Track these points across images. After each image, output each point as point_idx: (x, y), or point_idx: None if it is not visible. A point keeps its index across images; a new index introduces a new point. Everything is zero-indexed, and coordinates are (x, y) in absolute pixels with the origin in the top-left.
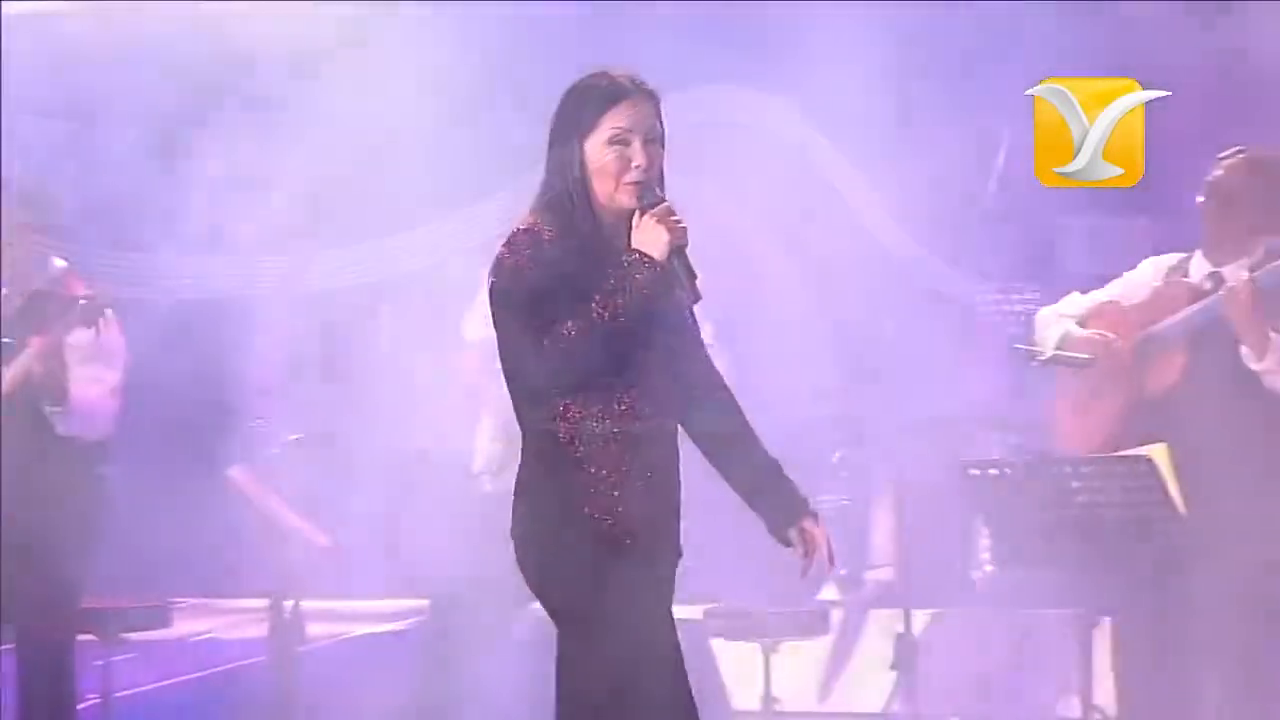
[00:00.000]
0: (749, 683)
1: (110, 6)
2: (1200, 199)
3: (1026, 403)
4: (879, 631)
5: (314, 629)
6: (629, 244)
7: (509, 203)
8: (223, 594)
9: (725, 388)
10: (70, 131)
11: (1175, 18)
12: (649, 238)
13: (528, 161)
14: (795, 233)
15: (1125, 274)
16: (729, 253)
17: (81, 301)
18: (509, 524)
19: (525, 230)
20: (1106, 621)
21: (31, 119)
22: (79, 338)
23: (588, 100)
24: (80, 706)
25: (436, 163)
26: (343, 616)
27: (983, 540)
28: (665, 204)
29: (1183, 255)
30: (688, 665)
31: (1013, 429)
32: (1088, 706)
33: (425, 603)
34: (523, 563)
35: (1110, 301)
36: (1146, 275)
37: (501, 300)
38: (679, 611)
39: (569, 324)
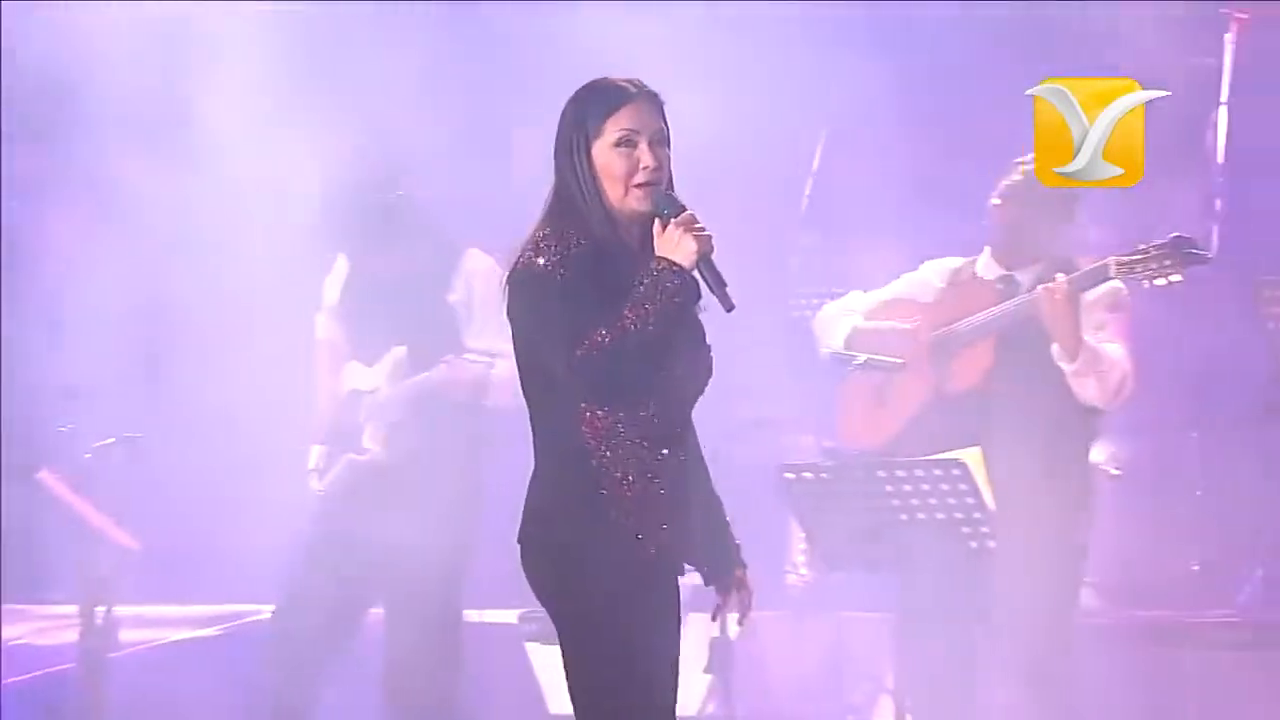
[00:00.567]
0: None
1: None
2: (995, 202)
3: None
4: (695, 635)
5: (128, 635)
6: (652, 251)
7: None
8: (34, 600)
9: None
10: None
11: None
12: (676, 246)
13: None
14: None
15: (904, 275)
16: None
17: None
18: (342, 526)
19: (550, 234)
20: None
21: None
22: None
23: (592, 105)
24: None
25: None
26: (156, 622)
27: (798, 543)
28: (688, 212)
29: (965, 259)
30: (504, 670)
31: (829, 433)
32: (901, 708)
33: (244, 608)
34: (534, 566)
35: (898, 299)
36: (929, 276)
37: (527, 308)
38: (495, 616)
39: (602, 332)
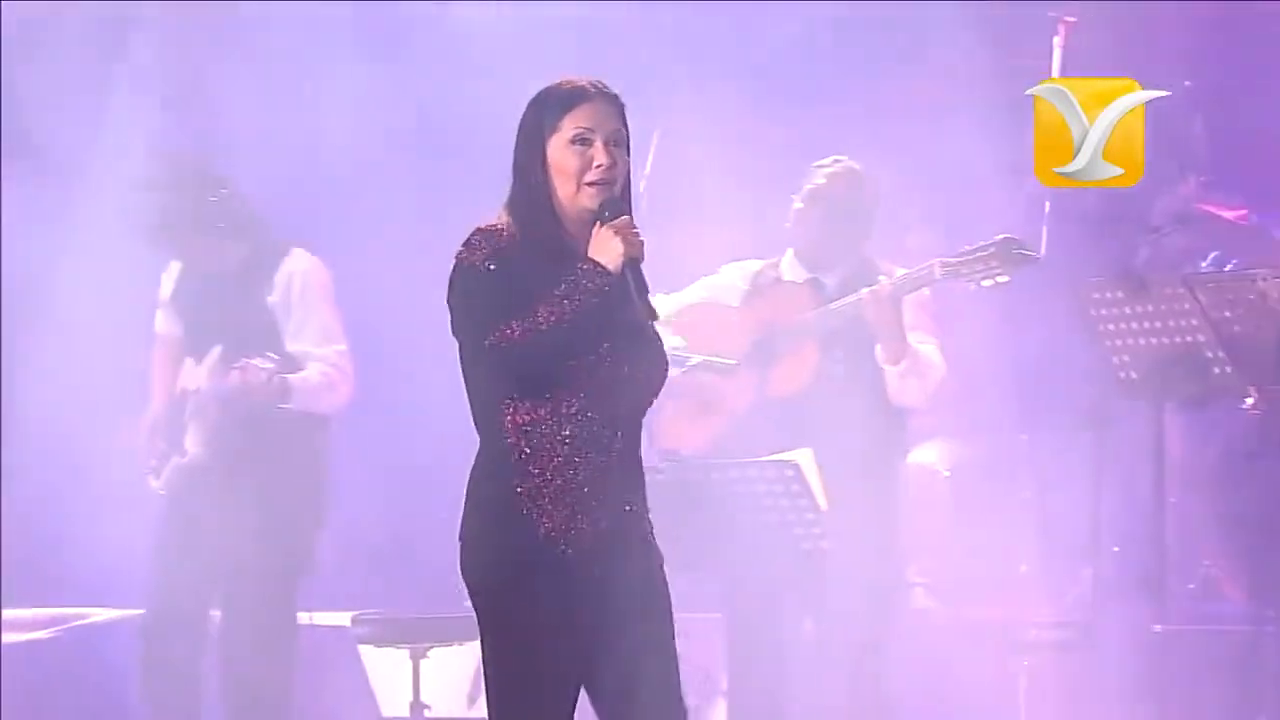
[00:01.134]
0: (398, 689)
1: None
2: (798, 205)
3: None
4: None
5: None
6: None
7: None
8: None
9: None
10: None
11: None
12: (605, 248)
13: None
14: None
15: (704, 278)
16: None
17: None
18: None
19: (484, 230)
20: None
21: None
22: None
23: (551, 102)
24: None
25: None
26: None
27: None
28: (625, 217)
29: (764, 260)
30: (334, 672)
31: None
32: (734, 709)
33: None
34: (465, 565)
35: (704, 303)
36: (731, 278)
37: (455, 298)
38: (326, 619)
39: (514, 325)
